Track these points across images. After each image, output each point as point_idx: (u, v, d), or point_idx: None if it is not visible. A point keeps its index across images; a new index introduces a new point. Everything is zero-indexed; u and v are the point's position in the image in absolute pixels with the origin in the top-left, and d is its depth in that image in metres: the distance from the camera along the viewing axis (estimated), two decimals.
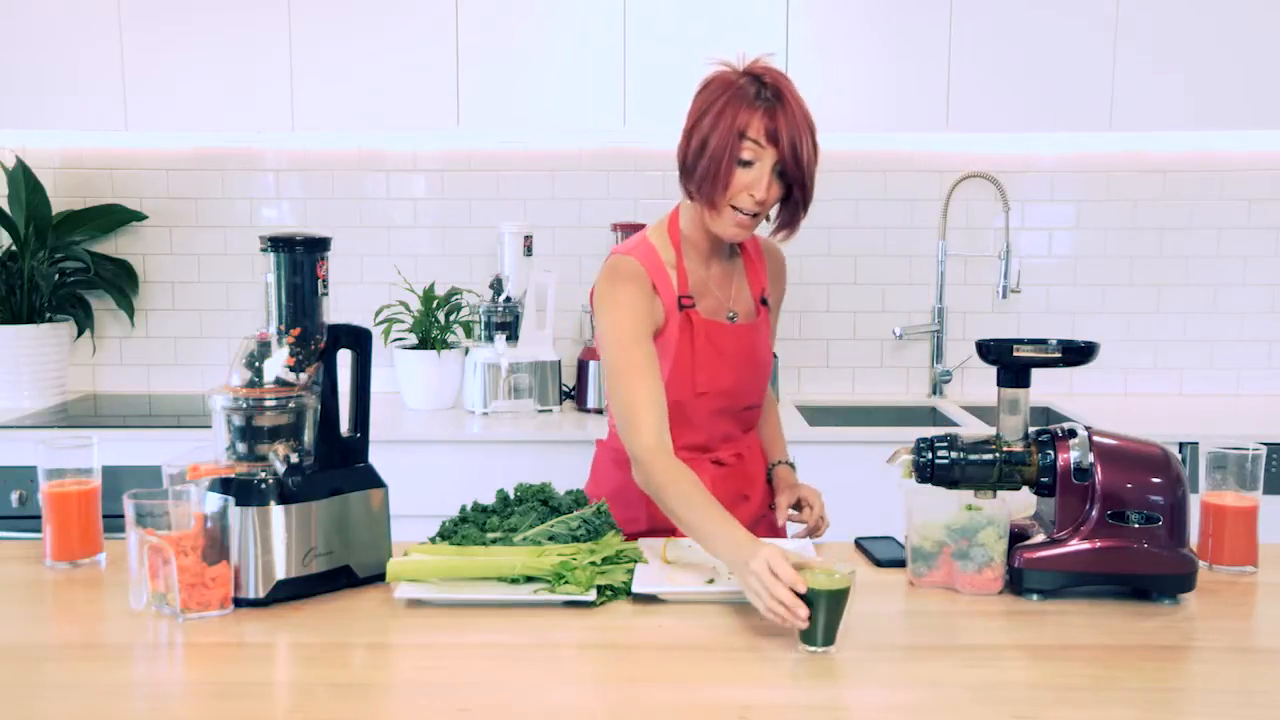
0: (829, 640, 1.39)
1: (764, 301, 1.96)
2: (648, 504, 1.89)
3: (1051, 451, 1.60)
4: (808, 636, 1.40)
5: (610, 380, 1.81)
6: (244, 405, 1.54)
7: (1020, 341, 1.61)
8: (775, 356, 2.23)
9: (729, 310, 1.91)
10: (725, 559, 1.54)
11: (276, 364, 1.57)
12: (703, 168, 1.77)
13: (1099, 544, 1.53)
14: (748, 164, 1.75)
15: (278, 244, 1.58)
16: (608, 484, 1.97)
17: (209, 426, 1.59)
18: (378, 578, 1.61)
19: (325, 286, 1.60)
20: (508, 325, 3.05)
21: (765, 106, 1.74)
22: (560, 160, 3.30)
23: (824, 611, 1.38)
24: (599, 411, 3.04)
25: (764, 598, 1.42)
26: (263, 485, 1.53)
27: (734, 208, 1.77)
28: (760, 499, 2.00)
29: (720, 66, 1.81)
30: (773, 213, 1.84)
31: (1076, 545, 1.55)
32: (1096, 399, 3.29)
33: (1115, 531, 1.55)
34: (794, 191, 1.79)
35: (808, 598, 1.38)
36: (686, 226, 1.89)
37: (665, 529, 1.87)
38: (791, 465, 2.06)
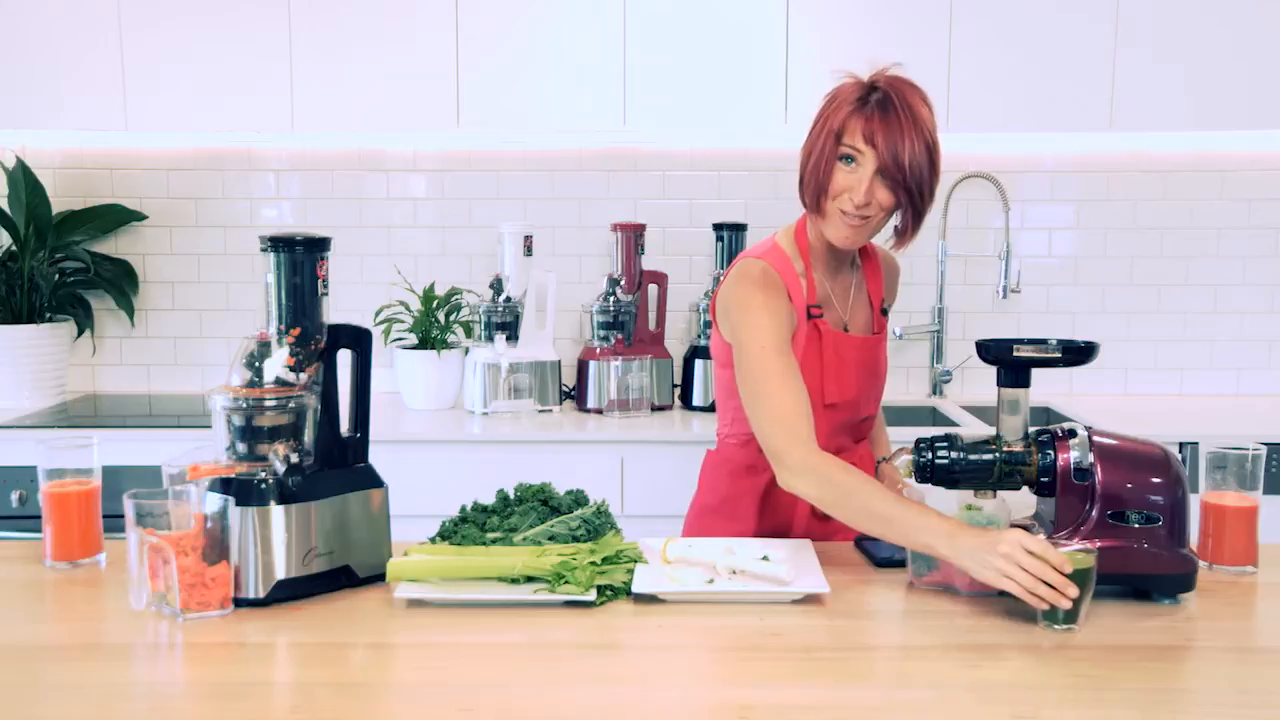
0: (1071, 619, 1.45)
1: (884, 312, 1.95)
2: (758, 517, 1.90)
3: (1051, 451, 1.60)
4: (1055, 615, 1.44)
5: (754, 388, 1.75)
6: (244, 405, 1.54)
7: (1020, 341, 1.61)
8: None
9: (844, 321, 1.89)
10: (946, 547, 1.51)
11: (276, 364, 1.57)
12: (808, 172, 1.78)
13: (1099, 544, 1.53)
14: (849, 164, 1.73)
15: (278, 244, 1.58)
16: (719, 494, 1.95)
17: (209, 426, 1.59)
18: (378, 578, 1.61)
19: (325, 286, 1.60)
20: (508, 325, 3.05)
21: (867, 110, 1.72)
22: (560, 160, 3.30)
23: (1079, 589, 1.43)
24: (599, 411, 3.04)
25: (1025, 580, 1.44)
26: (263, 485, 1.53)
27: (841, 211, 1.76)
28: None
29: (845, 78, 1.80)
30: (895, 219, 1.81)
31: (1076, 545, 1.55)
32: (1096, 399, 3.29)
33: (1115, 531, 1.55)
34: (900, 197, 1.73)
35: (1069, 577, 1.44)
36: (813, 237, 1.86)
37: None
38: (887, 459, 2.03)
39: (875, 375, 1.93)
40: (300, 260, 1.59)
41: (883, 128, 1.70)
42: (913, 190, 1.73)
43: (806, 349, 1.82)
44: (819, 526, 1.88)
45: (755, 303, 1.77)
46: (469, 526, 1.67)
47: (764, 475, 1.84)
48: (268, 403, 1.55)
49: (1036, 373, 1.66)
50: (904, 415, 3.25)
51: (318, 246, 1.60)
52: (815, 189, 1.77)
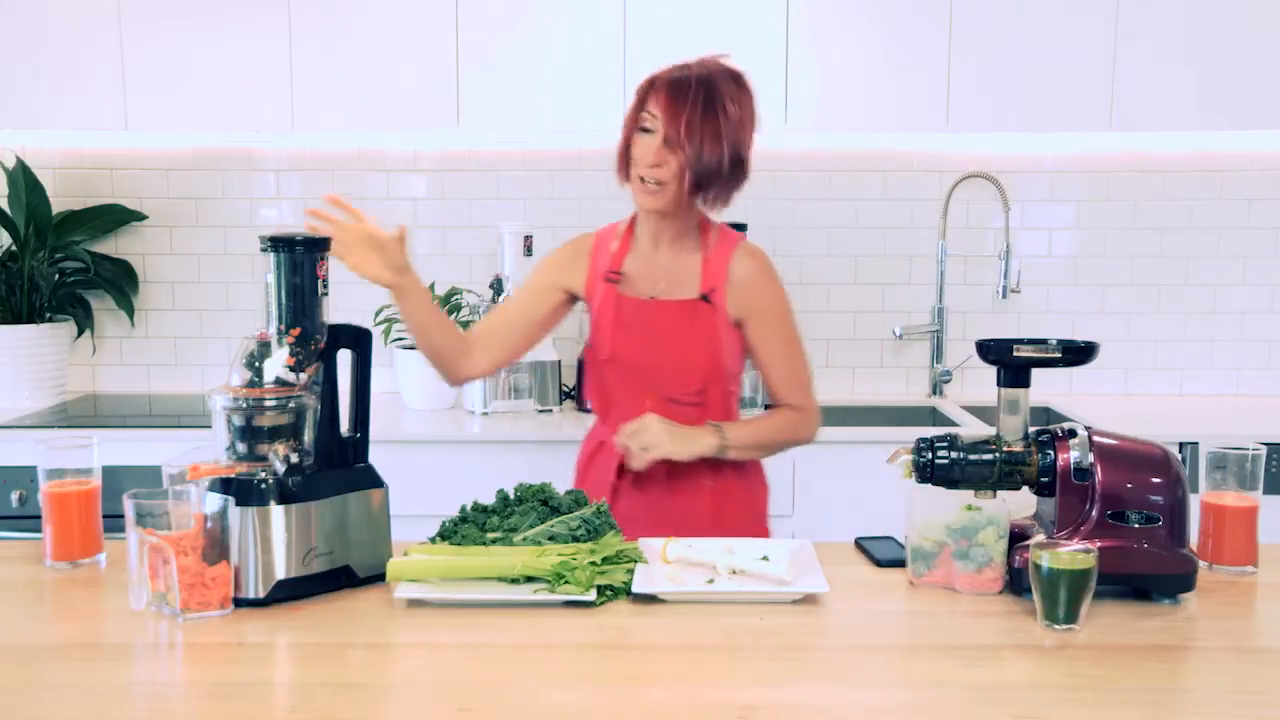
0: (1071, 619, 1.45)
1: (704, 298, 1.98)
2: (581, 474, 2.13)
3: (1051, 451, 1.60)
4: (1051, 615, 1.45)
5: None
6: (244, 405, 1.54)
7: (1020, 341, 1.61)
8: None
9: (652, 293, 1.99)
10: None
11: (276, 364, 1.57)
12: (619, 145, 1.95)
13: (1099, 544, 1.53)
14: (647, 131, 1.89)
15: (278, 244, 1.58)
16: (589, 475, 2.11)
17: (209, 426, 1.59)
18: (378, 578, 1.61)
19: (325, 286, 1.60)
20: None
21: (667, 81, 1.87)
22: (560, 160, 3.30)
23: (1065, 590, 1.43)
24: None
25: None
26: (263, 485, 1.53)
27: (639, 179, 1.91)
28: (701, 511, 1.98)
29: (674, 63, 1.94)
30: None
31: (1077, 545, 1.55)
32: (1096, 399, 3.29)
33: (1115, 531, 1.55)
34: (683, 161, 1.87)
35: (1051, 577, 1.44)
36: (639, 216, 2.03)
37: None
38: (717, 427, 1.97)
39: (673, 348, 1.97)
40: (300, 260, 1.59)
41: (670, 98, 1.86)
42: (688, 153, 1.85)
43: (600, 309, 2.01)
44: (627, 502, 1.99)
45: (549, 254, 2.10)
46: (469, 526, 1.67)
47: (595, 438, 2.08)
48: (268, 403, 1.55)
49: (1036, 373, 1.66)
50: (904, 415, 3.25)
51: (317, 246, 1.60)
52: (622, 157, 1.95)
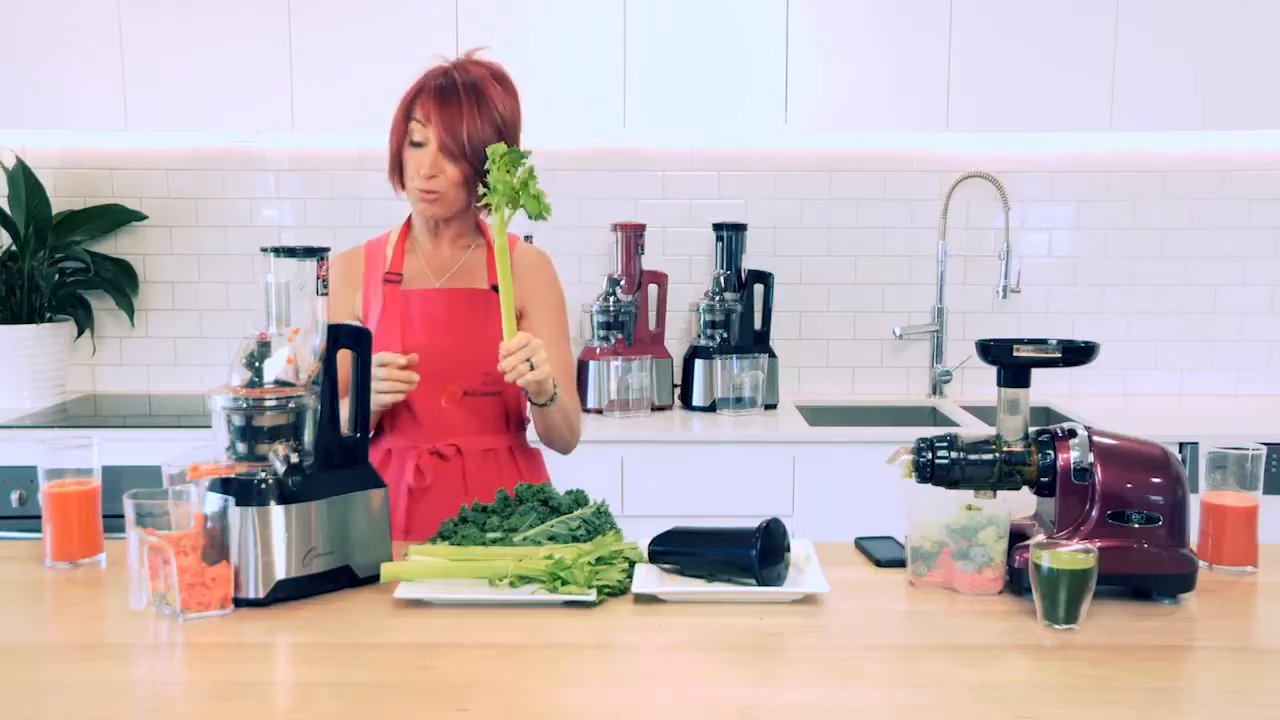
0: (1071, 619, 1.45)
1: (494, 288, 1.96)
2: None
3: (1051, 451, 1.60)
4: (1050, 614, 1.45)
5: None
6: (244, 405, 1.54)
7: (1020, 341, 1.61)
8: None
9: (438, 284, 1.99)
10: None
11: (277, 364, 1.57)
12: (390, 152, 1.93)
13: (1099, 544, 1.53)
14: (418, 145, 1.89)
15: (278, 249, 1.59)
16: None
17: (209, 426, 1.59)
18: (378, 578, 1.61)
19: (325, 287, 1.60)
20: None
21: (434, 90, 1.87)
22: (560, 160, 3.30)
23: (1065, 590, 1.44)
24: (599, 411, 3.04)
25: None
26: (263, 485, 1.53)
27: (417, 188, 1.90)
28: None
29: (437, 61, 1.94)
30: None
31: (1077, 545, 1.55)
32: (1096, 399, 3.29)
33: (1115, 531, 1.55)
34: (465, 170, 1.88)
35: (1051, 577, 1.44)
36: (414, 217, 2.03)
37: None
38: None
39: (464, 336, 1.96)
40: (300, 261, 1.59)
41: (440, 107, 1.86)
42: (476, 164, 1.85)
43: (384, 311, 1.98)
44: (424, 507, 1.95)
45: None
46: (469, 526, 1.67)
47: (381, 446, 1.99)
48: (268, 403, 1.54)
49: (1036, 373, 1.66)
50: (904, 415, 3.26)
51: (314, 252, 1.60)
52: (392, 168, 1.94)
